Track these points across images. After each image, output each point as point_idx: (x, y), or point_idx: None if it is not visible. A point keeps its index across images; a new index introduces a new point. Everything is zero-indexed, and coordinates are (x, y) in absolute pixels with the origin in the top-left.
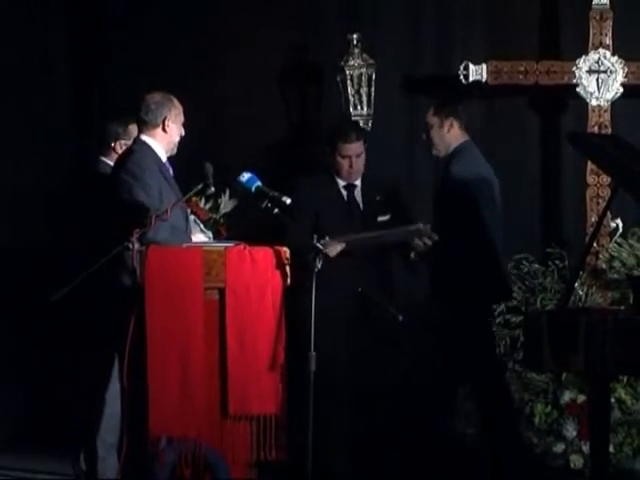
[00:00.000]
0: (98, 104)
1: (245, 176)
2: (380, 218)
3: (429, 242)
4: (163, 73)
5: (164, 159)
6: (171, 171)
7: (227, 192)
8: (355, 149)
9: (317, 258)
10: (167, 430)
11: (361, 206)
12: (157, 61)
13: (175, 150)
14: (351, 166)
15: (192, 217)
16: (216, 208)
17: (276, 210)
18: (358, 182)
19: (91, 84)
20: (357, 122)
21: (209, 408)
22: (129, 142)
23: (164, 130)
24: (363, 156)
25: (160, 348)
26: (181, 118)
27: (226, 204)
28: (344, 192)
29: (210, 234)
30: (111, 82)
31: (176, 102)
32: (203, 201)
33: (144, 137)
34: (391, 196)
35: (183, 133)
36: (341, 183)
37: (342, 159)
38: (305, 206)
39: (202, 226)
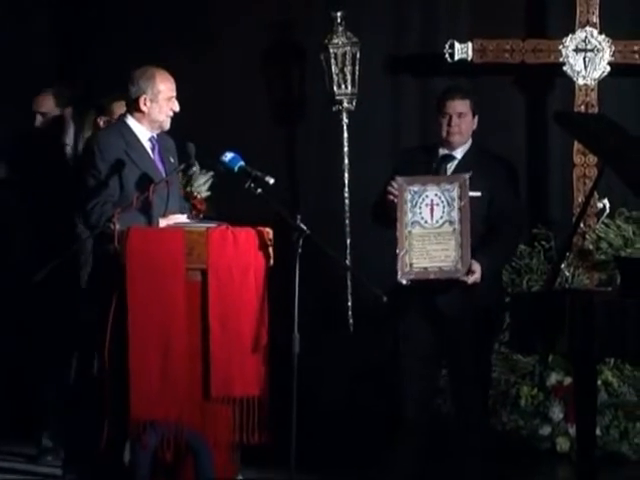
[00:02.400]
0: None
1: (228, 156)
2: None
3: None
4: (146, 56)
5: (145, 137)
6: (157, 148)
7: (196, 165)
8: (455, 106)
9: (300, 239)
10: (148, 413)
11: None
12: (140, 42)
13: (166, 126)
14: (449, 124)
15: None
16: (189, 182)
17: (259, 190)
18: (458, 154)
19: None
20: (466, 87)
21: (191, 391)
22: (111, 119)
23: (139, 109)
24: (467, 120)
25: (141, 330)
26: (167, 94)
27: (197, 177)
28: (435, 162)
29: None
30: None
31: (160, 78)
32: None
33: (127, 115)
34: (485, 175)
35: (176, 108)
36: (440, 153)
37: (442, 118)
38: (393, 173)
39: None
